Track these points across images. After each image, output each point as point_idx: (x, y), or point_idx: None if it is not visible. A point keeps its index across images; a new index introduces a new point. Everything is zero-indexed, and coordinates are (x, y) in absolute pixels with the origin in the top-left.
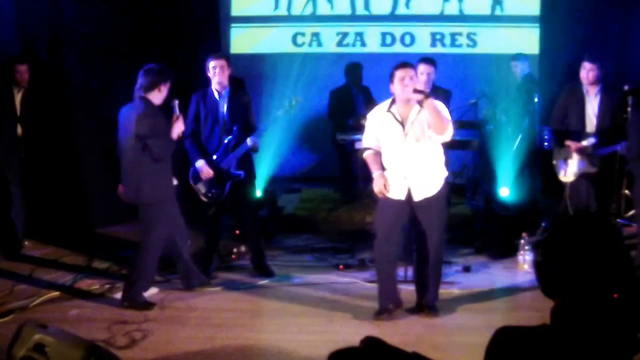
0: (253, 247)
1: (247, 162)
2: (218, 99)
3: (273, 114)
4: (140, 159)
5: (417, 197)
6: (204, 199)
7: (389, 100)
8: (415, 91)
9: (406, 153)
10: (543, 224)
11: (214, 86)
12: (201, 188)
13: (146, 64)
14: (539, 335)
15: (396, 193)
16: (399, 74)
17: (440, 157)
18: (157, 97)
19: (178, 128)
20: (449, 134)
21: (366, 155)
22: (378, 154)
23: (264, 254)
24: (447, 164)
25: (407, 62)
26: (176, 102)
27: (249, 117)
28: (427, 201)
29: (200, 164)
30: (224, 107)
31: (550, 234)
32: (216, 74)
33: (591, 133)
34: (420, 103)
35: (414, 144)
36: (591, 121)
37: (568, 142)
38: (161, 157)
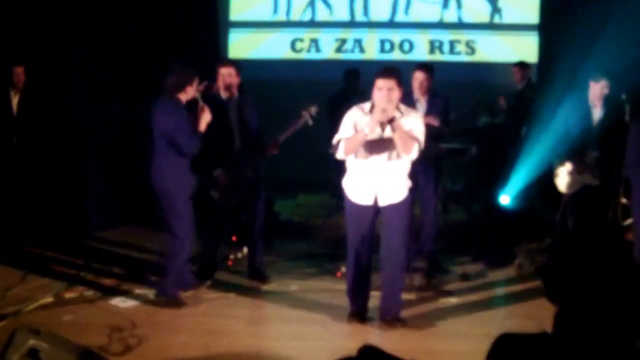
0: (252, 249)
1: (258, 167)
2: (228, 105)
3: (273, 131)
4: (164, 152)
5: (383, 202)
6: (219, 204)
7: (369, 103)
8: (383, 110)
9: (379, 157)
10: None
11: (223, 93)
12: (215, 194)
13: (173, 63)
14: (539, 342)
15: (363, 198)
16: (378, 83)
17: (406, 169)
18: (184, 96)
19: (205, 118)
20: (414, 154)
21: (341, 141)
22: None
23: (261, 259)
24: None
25: (389, 70)
26: (198, 94)
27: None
28: (393, 207)
29: (218, 172)
30: (235, 114)
31: (560, 239)
32: (227, 80)
33: (594, 144)
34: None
35: (387, 146)
36: (595, 132)
37: (575, 167)
38: (190, 151)
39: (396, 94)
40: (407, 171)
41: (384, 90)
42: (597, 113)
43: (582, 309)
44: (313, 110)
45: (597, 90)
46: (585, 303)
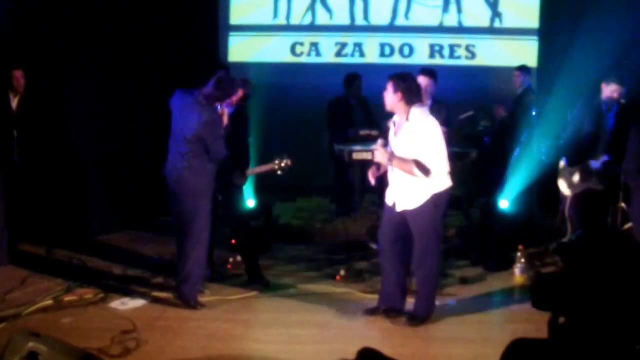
0: (247, 258)
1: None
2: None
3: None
4: (197, 155)
5: (398, 207)
6: None
7: None
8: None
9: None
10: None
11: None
12: None
13: (221, 75)
14: (550, 347)
15: (388, 198)
16: None
17: (425, 178)
18: (218, 103)
19: (223, 123)
20: (421, 175)
21: None
22: None
23: (258, 265)
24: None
25: (390, 76)
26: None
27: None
28: (409, 214)
29: None
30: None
31: (573, 251)
32: (236, 100)
33: (605, 149)
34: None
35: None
36: (605, 137)
37: (581, 174)
38: (220, 157)
39: (388, 95)
40: (428, 179)
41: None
42: (606, 118)
43: (584, 315)
44: (285, 163)
45: (607, 92)
46: (587, 309)
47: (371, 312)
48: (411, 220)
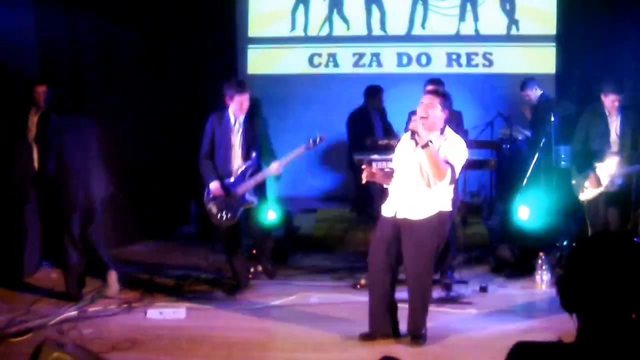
0: (264, 264)
1: (261, 187)
2: (234, 124)
3: (293, 145)
4: None
5: (400, 214)
6: (214, 220)
7: None
8: (415, 133)
9: (407, 171)
10: (564, 243)
11: (232, 112)
12: (213, 209)
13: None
14: (555, 351)
15: (386, 210)
16: (423, 98)
17: (442, 190)
18: None
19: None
20: (446, 181)
21: None
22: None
23: (269, 255)
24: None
25: (434, 92)
26: None
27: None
28: (410, 224)
29: (214, 185)
30: (240, 133)
31: (575, 250)
32: (238, 107)
33: (615, 152)
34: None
35: (415, 164)
36: (615, 141)
37: (590, 180)
38: None
39: (436, 112)
40: (443, 191)
41: (423, 104)
42: (613, 120)
43: (598, 319)
44: (318, 139)
45: (608, 103)
46: (602, 314)
47: (367, 337)
48: (410, 232)
